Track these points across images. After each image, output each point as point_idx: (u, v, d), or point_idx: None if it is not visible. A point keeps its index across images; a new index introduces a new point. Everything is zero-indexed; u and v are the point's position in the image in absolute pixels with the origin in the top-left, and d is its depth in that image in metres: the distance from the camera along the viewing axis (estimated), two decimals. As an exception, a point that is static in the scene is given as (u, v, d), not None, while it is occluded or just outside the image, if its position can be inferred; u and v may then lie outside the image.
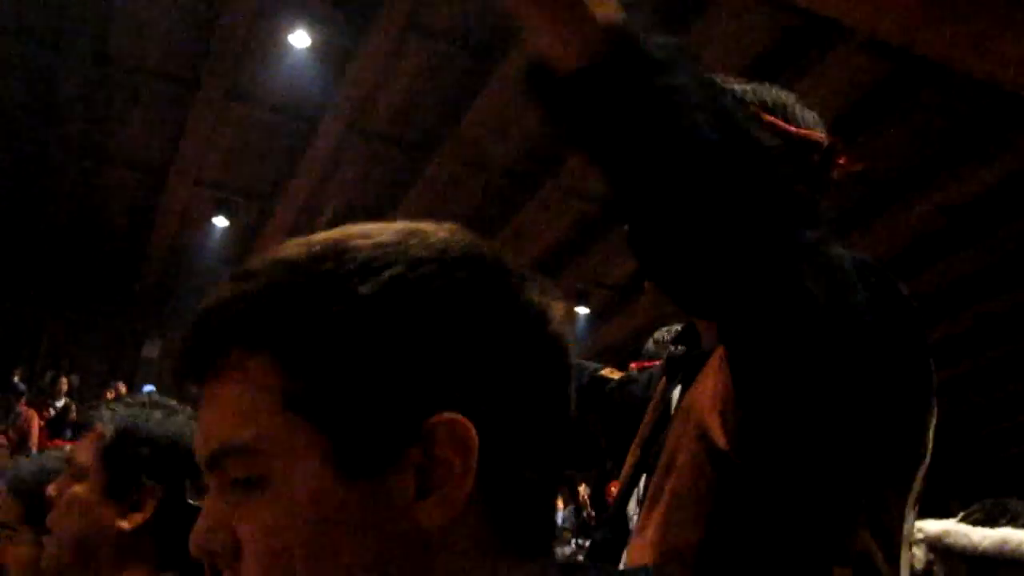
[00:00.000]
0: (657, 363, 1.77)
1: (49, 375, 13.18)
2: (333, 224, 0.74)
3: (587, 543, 13.48)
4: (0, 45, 10.00)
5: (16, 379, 12.20)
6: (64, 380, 12.28)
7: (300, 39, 9.69)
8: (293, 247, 0.69)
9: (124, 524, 1.59)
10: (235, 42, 9.67)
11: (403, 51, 9.85)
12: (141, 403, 1.71)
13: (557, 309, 0.71)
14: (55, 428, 11.19)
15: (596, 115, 0.86)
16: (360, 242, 0.67)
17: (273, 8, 9.40)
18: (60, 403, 11.53)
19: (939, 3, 7.83)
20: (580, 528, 13.44)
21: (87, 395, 12.86)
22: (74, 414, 11.46)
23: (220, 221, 13.03)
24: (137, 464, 1.60)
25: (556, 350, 0.70)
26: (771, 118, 1.23)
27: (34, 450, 10.25)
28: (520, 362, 0.68)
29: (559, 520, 12.47)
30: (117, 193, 12.90)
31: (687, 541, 1.09)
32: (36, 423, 11.03)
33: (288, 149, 11.46)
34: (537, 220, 12.57)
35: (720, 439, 1.07)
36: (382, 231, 0.68)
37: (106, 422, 1.64)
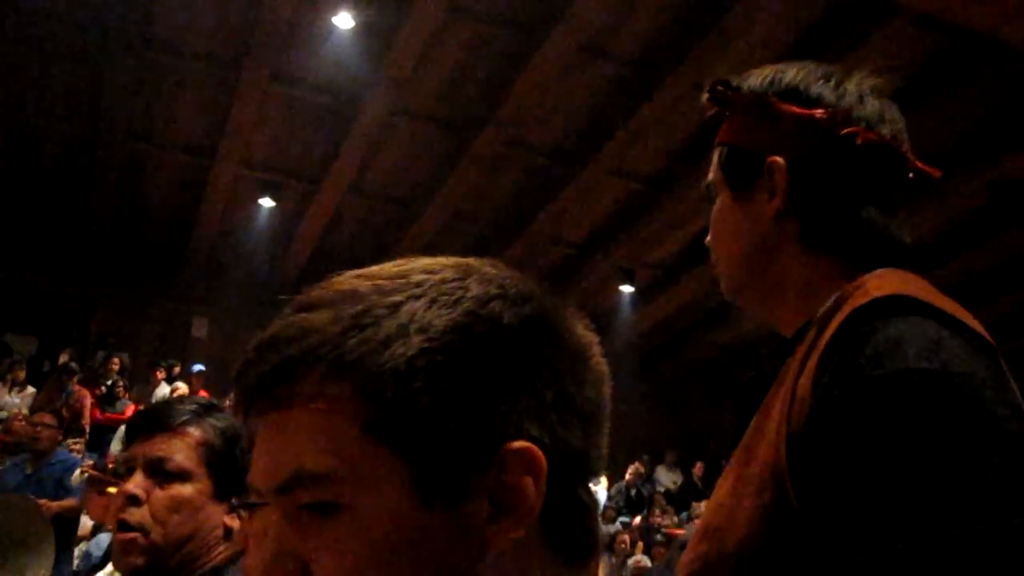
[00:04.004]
0: None
1: (100, 355, 13.39)
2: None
3: (633, 520, 13.50)
4: (48, 31, 10.13)
5: (67, 359, 12.40)
6: (115, 360, 12.47)
7: (343, 20, 9.71)
8: (354, 280, 0.70)
9: (233, 523, 1.72)
10: (279, 24, 9.70)
11: (446, 31, 9.83)
12: (210, 406, 1.83)
13: (597, 343, 0.76)
14: (106, 401, 11.45)
15: None
16: (424, 277, 0.69)
17: (317, -11, 9.43)
18: (111, 382, 11.73)
19: (992, -25, 7.67)
20: (627, 505, 13.47)
21: (137, 374, 13.07)
22: (123, 391, 11.68)
23: (266, 202, 13.16)
24: (244, 467, 1.73)
25: (600, 381, 0.74)
26: (783, 105, 1.18)
27: (87, 427, 10.45)
28: (575, 392, 0.71)
29: (603, 499, 12.49)
30: (164, 175, 13.04)
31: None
32: (88, 401, 11.23)
33: (333, 130, 11.50)
34: (581, 199, 12.52)
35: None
36: (441, 266, 0.71)
37: (204, 428, 1.75)
